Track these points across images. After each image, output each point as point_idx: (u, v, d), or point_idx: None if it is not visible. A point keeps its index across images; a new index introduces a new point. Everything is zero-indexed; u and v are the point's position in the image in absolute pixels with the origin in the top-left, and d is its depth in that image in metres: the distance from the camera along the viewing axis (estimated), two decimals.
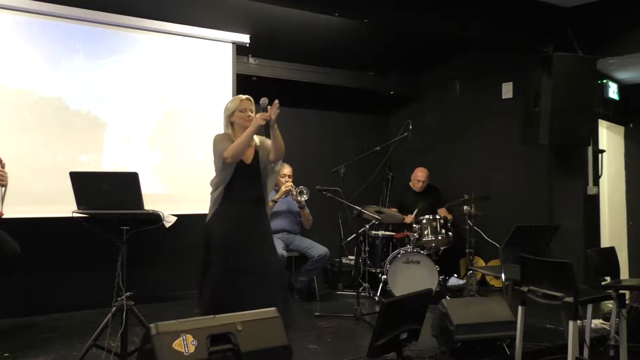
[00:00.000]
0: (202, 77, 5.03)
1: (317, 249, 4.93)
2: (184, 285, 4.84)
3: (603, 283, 3.59)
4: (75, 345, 3.52)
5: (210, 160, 3.45)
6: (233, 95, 4.93)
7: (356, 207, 4.66)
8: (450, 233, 5.19)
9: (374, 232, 5.46)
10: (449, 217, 5.48)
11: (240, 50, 5.23)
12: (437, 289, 4.83)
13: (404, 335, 3.14)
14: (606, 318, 4.12)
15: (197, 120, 4.95)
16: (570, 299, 2.99)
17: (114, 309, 3.00)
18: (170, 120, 4.89)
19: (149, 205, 3.04)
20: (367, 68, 6.20)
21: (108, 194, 3.00)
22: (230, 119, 3.37)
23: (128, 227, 3.05)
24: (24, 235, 3.54)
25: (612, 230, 5.96)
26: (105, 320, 2.98)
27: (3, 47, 4.21)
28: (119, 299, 3.00)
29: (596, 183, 5.27)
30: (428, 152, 6.25)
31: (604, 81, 5.55)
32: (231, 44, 5.15)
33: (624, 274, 5.00)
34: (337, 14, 4.45)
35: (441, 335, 3.39)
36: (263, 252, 3.30)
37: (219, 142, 3.30)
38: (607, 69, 5.38)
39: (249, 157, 3.36)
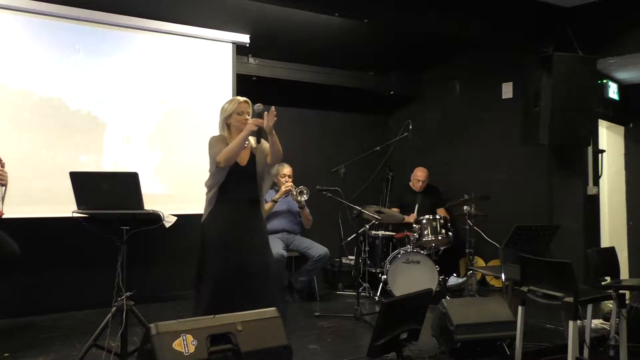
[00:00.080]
0: (202, 77, 5.03)
1: (317, 249, 4.93)
2: (184, 285, 4.83)
3: (603, 283, 3.59)
4: (75, 345, 3.52)
5: None
6: (233, 96, 4.94)
7: (356, 207, 4.66)
8: (450, 233, 5.19)
9: (374, 232, 5.46)
10: (448, 217, 5.48)
11: (240, 50, 5.23)
12: (437, 289, 4.83)
13: (404, 335, 3.14)
14: (606, 318, 4.13)
15: (197, 120, 4.95)
16: (570, 299, 2.99)
17: (114, 309, 3.00)
18: (170, 120, 4.90)
19: (149, 205, 3.04)
20: (367, 68, 6.20)
21: (108, 194, 3.00)
22: (227, 121, 3.34)
23: (128, 227, 3.05)
24: (24, 235, 3.54)
25: (612, 230, 5.97)
26: (105, 320, 2.98)
27: (3, 47, 4.21)
28: (119, 299, 3.00)
29: (596, 183, 5.27)
30: (428, 152, 6.25)
31: (604, 81, 5.55)
32: (231, 44, 5.15)
33: (624, 274, 5.00)
34: (337, 14, 4.45)
35: (441, 335, 3.39)
36: (258, 253, 3.28)
37: (214, 145, 3.29)
38: (607, 69, 5.38)
39: (244, 159, 3.36)
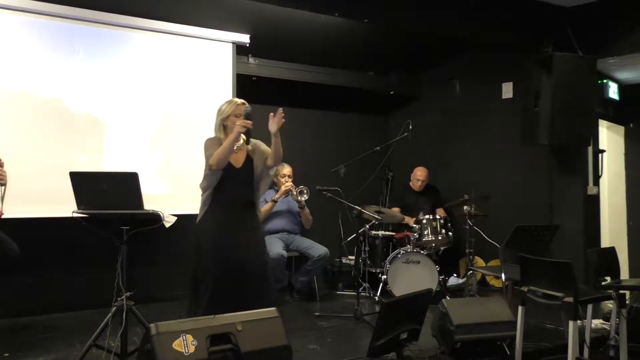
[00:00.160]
0: (202, 77, 5.03)
1: (317, 249, 4.93)
2: (184, 285, 4.83)
3: (603, 283, 3.58)
4: (75, 345, 3.52)
5: None
6: (233, 96, 4.95)
7: (356, 207, 4.67)
8: (450, 233, 5.19)
9: (374, 232, 5.45)
10: (447, 217, 5.49)
11: (240, 50, 5.23)
12: (437, 289, 4.83)
13: (404, 335, 3.14)
14: (606, 318, 4.13)
15: (197, 120, 4.94)
16: (570, 299, 2.98)
17: (114, 309, 3.00)
18: (170, 120, 4.90)
19: (149, 205, 3.04)
20: (367, 68, 6.20)
21: (108, 194, 3.01)
22: (224, 123, 3.33)
23: (128, 227, 3.06)
24: (24, 235, 3.53)
25: (612, 230, 5.97)
26: (105, 320, 2.98)
27: (3, 48, 4.21)
28: (119, 299, 3.00)
29: (596, 183, 5.26)
30: (428, 152, 6.25)
31: (604, 81, 5.54)
32: (231, 44, 5.15)
33: (624, 274, 4.99)
34: (337, 14, 4.45)
35: (441, 335, 3.39)
36: (252, 253, 3.28)
37: (208, 147, 3.28)
38: (607, 69, 5.37)
39: (239, 161, 3.35)
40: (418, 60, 6.35)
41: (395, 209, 5.72)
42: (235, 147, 3.28)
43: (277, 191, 5.01)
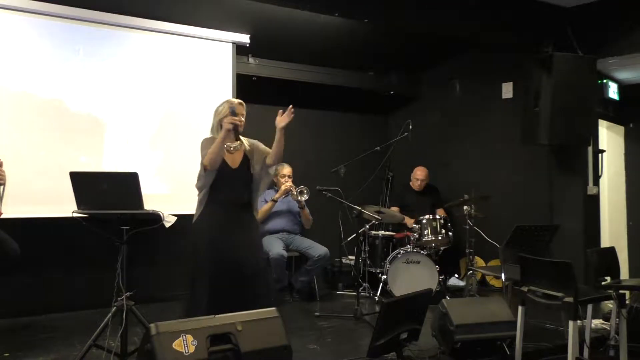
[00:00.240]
0: (202, 77, 5.03)
1: (317, 249, 4.93)
2: (183, 285, 4.83)
3: (603, 283, 3.58)
4: (75, 345, 3.52)
5: None
6: (233, 96, 4.95)
7: (356, 207, 4.66)
8: (450, 233, 5.19)
9: (374, 232, 5.45)
10: (446, 217, 5.49)
11: (240, 50, 5.23)
12: (437, 289, 4.83)
13: (404, 335, 3.14)
14: (606, 318, 4.13)
15: (197, 120, 4.94)
16: (570, 299, 2.98)
17: (114, 309, 3.00)
18: (170, 120, 4.90)
19: (149, 205, 3.04)
20: (367, 68, 6.20)
21: (108, 194, 3.01)
22: (222, 123, 3.34)
23: (128, 227, 3.06)
24: (24, 235, 3.54)
25: (612, 230, 5.97)
26: (105, 320, 2.98)
27: (3, 48, 4.21)
28: (119, 299, 3.00)
29: (596, 183, 5.26)
30: (428, 152, 6.25)
31: (604, 81, 5.54)
32: (231, 44, 5.15)
33: (624, 274, 4.99)
34: (337, 14, 4.45)
35: (441, 335, 3.39)
36: (247, 254, 3.28)
37: (204, 148, 3.29)
38: (607, 69, 5.37)
39: (235, 162, 3.35)
40: (418, 60, 6.35)
41: (395, 209, 5.72)
42: (232, 148, 3.29)
43: (277, 191, 5.02)
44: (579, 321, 3.12)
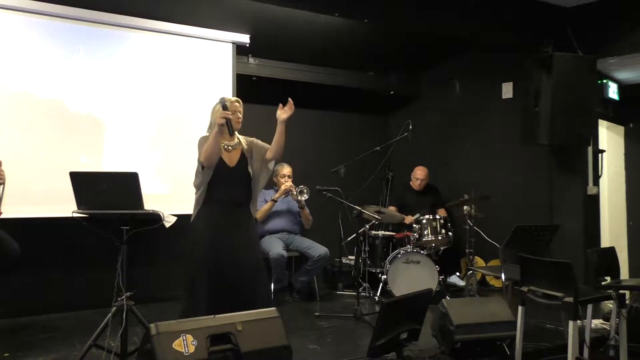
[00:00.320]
0: (202, 77, 5.03)
1: (317, 249, 4.93)
2: (183, 285, 4.84)
3: (603, 283, 3.58)
4: (75, 345, 3.53)
5: None
6: (233, 96, 4.95)
7: (356, 207, 4.66)
8: (450, 233, 5.19)
9: (374, 232, 5.46)
10: (447, 217, 5.49)
11: (240, 50, 5.23)
12: (437, 289, 4.83)
13: (404, 335, 3.14)
14: (606, 318, 4.12)
15: (197, 120, 4.94)
16: (570, 299, 2.98)
17: (114, 309, 3.00)
18: (170, 120, 4.90)
19: (149, 205, 3.04)
20: (367, 68, 6.20)
21: (108, 194, 3.01)
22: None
23: (128, 227, 3.06)
24: (24, 235, 3.54)
25: (612, 230, 5.97)
26: (105, 320, 2.98)
27: (3, 48, 4.21)
28: (119, 299, 3.00)
29: (596, 183, 5.26)
30: (428, 152, 6.25)
31: (604, 81, 5.54)
32: (231, 44, 5.15)
33: (624, 274, 5.00)
34: (337, 14, 4.45)
35: (441, 335, 3.39)
36: (244, 253, 3.28)
37: (201, 146, 3.30)
38: (607, 69, 5.37)
39: (233, 160, 3.35)
40: (418, 60, 6.35)
41: (392, 208, 5.73)
42: (229, 147, 3.30)
43: (277, 191, 5.02)
44: (579, 321, 3.12)
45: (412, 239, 5.17)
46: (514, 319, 3.36)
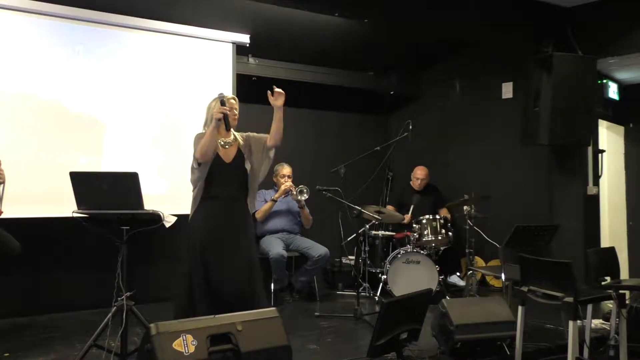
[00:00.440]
0: (202, 77, 5.03)
1: (317, 249, 4.93)
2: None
3: (603, 283, 3.58)
4: (75, 345, 3.52)
5: None
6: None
7: (356, 207, 4.66)
8: (450, 233, 5.19)
9: (374, 232, 5.46)
10: (449, 217, 5.49)
11: (240, 50, 5.23)
12: (437, 289, 4.83)
13: (404, 335, 3.14)
14: (606, 318, 4.12)
15: (197, 120, 4.92)
16: (570, 299, 2.98)
17: (114, 309, 3.00)
18: (170, 120, 4.89)
19: (149, 205, 3.04)
20: (367, 68, 6.20)
21: (108, 194, 3.00)
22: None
23: (128, 227, 3.05)
24: (24, 235, 3.54)
25: (612, 230, 5.97)
26: (105, 320, 2.98)
27: (3, 48, 4.21)
28: (119, 299, 3.00)
29: (596, 183, 5.27)
30: (428, 152, 6.25)
31: (604, 81, 5.55)
32: (231, 44, 5.14)
33: (624, 274, 4.99)
34: (337, 14, 4.45)
35: (441, 335, 3.39)
36: (240, 252, 3.29)
37: (197, 142, 3.30)
38: (607, 69, 5.38)
39: (229, 157, 3.36)
40: (418, 60, 6.35)
41: (390, 208, 5.73)
42: (227, 145, 3.32)
43: (276, 191, 5.02)
44: (579, 321, 3.12)
45: (412, 239, 5.16)
46: (514, 319, 3.36)
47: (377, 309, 4.65)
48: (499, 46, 5.55)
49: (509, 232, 3.85)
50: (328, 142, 6.25)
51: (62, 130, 4.44)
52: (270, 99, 3.32)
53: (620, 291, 3.40)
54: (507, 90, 5.80)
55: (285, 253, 4.80)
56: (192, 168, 3.33)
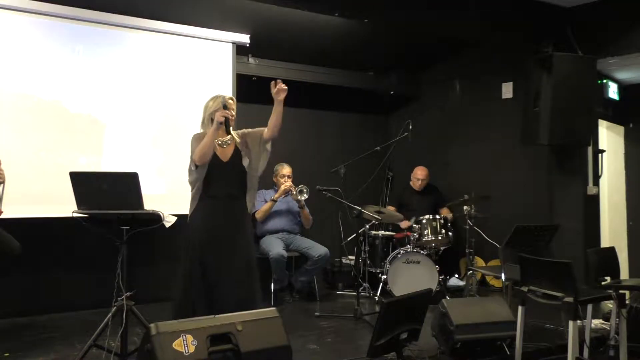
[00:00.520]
0: (202, 77, 5.03)
1: (317, 249, 4.93)
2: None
3: (603, 283, 3.58)
4: (75, 345, 3.52)
5: None
6: (233, 96, 4.95)
7: (356, 207, 4.66)
8: (450, 233, 5.19)
9: (374, 232, 5.46)
10: (450, 216, 5.49)
11: (240, 50, 5.23)
12: (437, 289, 4.83)
13: (404, 335, 3.14)
14: (606, 318, 4.12)
15: (197, 120, 4.91)
16: (570, 299, 2.98)
17: (114, 309, 3.00)
18: (170, 120, 4.89)
19: (149, 205, 3.04)
20: (367, 68, 6.20)
21: (108, 194, 3.00)
22: (212, 117, 3.33)
23: (128, 227, 3.05)
24: (24, 235, 3.54)
25: (612, 230, 5.97)
26: (105, 320, 2.98)
27: (3, 48, 4.21)
28: (119, 299, 3.00)
29: (596, 183, 5.27)
30: (428, 152, 6.25)
31: (604, 81, 5.54)
32: (231, 44, 5.14)
33: (624, 274, 5.00)
34: (337, 14, 4.45)
35: (441, 335, 3.39)
36: (239, 252, 3.29)
37: (194, 144, 3.30)
38: (607, 69, 5.38)
39: (226, 155, 3.36)
40: (418, 60, 6.35)
41: (391, 208, 5.73)
42: (224, 145, 3.32)
43: (277, 191, 5.02)
44: (579, 321, 3.12)
45: (412, 239, 5.17)
46: (514, 319, 3.36)
47: (377, 309, 4.66)
48: (499, 46, 5.55)
49: (509, 232, 3.85)
50: (328, 142, 6.25)
51: (62, 130, 4.44)
52: (273, 90, 3.30)
53: (620, 291, 3.40)
54: (507, 90, 5.80)
55: (285, 253, 4.80)
56: (190, 170, 3.32)
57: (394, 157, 6.00)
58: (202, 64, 5.03)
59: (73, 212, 3.03)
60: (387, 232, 5.61)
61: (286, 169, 5.07)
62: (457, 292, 5.33)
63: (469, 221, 5.00)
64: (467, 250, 5.03)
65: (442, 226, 5.15)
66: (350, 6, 4.37)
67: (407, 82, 6.52)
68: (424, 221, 5.15)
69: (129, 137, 4.71)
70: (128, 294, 3.00)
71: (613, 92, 5.72)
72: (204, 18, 4.93)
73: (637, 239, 6.07)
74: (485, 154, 5.91)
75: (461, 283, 5.52)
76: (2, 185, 3.17)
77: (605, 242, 5.54)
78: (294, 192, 4.82)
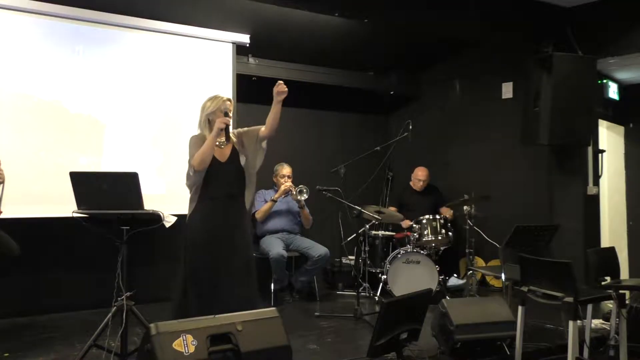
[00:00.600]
0: (202, 77, 5.03)
1: (317, 249, 4.93)
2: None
3: (603, 283, 3.58)
4: (75, 345, 3.53)
5: None
6: (233, 96, 4.95)
7: (356, 207, 4.66)
8: (450, 233, 5.19)
9: (374, 232, 5.46)
10: (450, 216, 5.49)
11: (240, 50, 5.23)
12: (437, 289, 4.83)
13: (404, 335, 3.14)
14: (606, 318, 4.12)
15: (197, 120, 4.93)
16: (570, 299, 2.99)
17: (114, 309, 3.00)
18: (170, 120, 4.89)
19: (149, 205, 3.04)
20: (367, 68, 6.20)
21: (108, 194, 3.00)
22: (210, 117, 3.33)
23: (128, 227, 3.05)
24: (24, 235, 3.54)
25: (612, 230, 5.97)
26: (105, 320, 2.98)
27: (3, 48, 4.21)
28: (119, 299, 3.00)
29: (596, 183, 5.27)
30: (428, 152, 6.25)
31: (604, 81, 5.54)
32: (231, 44, 5.14)
33: (624, 274, 5.00)
34: (337, 14, 4.45)
35: (441, 335, 3.39)
36: (237, 252, 3.29)
37: (192, 146, 3.29)
38: (607, 69, 5.38)
39: (224, 156, 3.36)
40: (418, 60, 6.35)
41: (392, 209, 5.73)
42: (222, 145, 3.33)
43: (277, 191, 5.02)
44: (579, 321, 3.12)
45: (412, 239, 5.17)
46: (514, 319, 3.36)
47: (377, 309, 4.66)
48: (499, 46, 5.55)
49: (509, 232, 3.85)
50: (328, 142, 6.25)
51: (62, 130, 4.44)
52: (276, 89, 3.29)
53: (620, 291, 3.40)
54: (507, 90, 5.80)
55: (285, 253, 4.80)
56: (188, 175, 3.31)
57: (394, 157, 6.00)
58: (202, 64, 5.03)
59: (73, 212, 3.03)
60: (387, 232, 5.61)
61: (286, 169, 5.07)
62: (457, 292, 5.33)
63: (469, 221, 5.01)
64: (467, 250, 5.03)
65: (442, 226, 5.15)
66: (350, 6, 4.37)
67: (407, 82, 6.52)
68: (424, 221, 5.15)
69: (129, 137, 4.71)
70: (128, 294, 3.00)
71: (613, 92, 5.72)
72: (204, 18, 4.93)
73: (637, 239, 6.07)
74: (485, 154, 5.92)
75: (461, 283, 5.52)
76: (1, 185, 3.17)
77: (605, 242, 5.54)
78: (294, 192, 4.82)
